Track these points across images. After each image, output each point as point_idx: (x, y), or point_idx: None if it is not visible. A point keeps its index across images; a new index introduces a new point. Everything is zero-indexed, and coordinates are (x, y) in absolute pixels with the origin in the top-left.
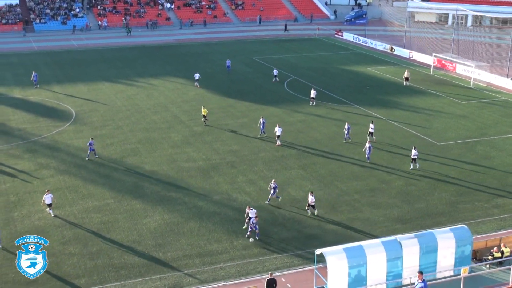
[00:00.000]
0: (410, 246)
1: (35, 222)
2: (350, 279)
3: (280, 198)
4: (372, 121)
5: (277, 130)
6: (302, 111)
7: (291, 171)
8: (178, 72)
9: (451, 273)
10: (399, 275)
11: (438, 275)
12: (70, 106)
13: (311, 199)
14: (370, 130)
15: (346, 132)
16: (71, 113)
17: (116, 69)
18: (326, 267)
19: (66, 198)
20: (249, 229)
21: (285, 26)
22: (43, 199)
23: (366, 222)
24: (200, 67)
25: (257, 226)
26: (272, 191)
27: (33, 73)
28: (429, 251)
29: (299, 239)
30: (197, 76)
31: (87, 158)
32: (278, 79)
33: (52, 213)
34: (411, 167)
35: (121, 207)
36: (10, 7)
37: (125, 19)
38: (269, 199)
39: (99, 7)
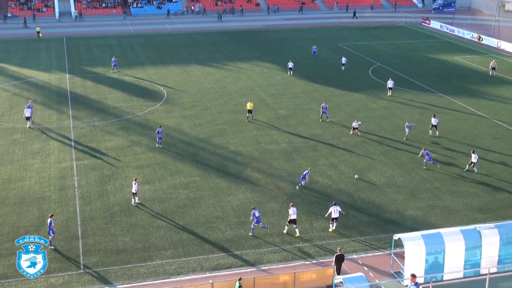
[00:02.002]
0: (490, 236)
1: (127, 195)
2: (427, 265)
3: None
4: (434, 115)
5: (355, 124)
6: (386, 98)
7: (372, 157)
8: (265, 56)
9: None
10: (477, 265)
11: None
12: (162, 87)
13: (292, 211)
14: (433, 123)
15: (407, 130)
16: (163, 94)
17: (206, 52)
18: (403, 252)
19: (156, 174)
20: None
21: (354, 12)
22: (133, 186)
23: (445, 210)
24: (287, 53)
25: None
26: (302, 177)
27: (113, 58)
28: (509, 242)
29: (377, 224)
30: (290, 64)
31: (156, 145)
32: (345, 68)
33: (134, 202)
34: (466, 168)
35: (207, 185)
36: None
37: (214, 5)
38: (301, 185)
39: None
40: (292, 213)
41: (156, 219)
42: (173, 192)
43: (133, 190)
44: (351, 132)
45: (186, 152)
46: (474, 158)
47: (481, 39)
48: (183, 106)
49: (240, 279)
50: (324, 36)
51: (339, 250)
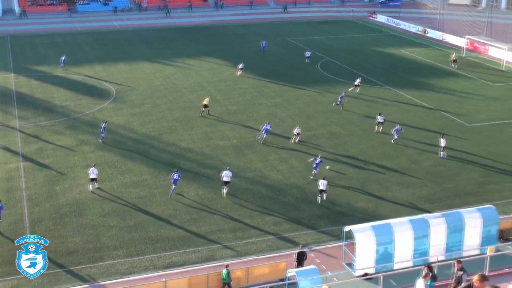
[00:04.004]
0: (437, 225)
1: (76, 195)
2: (378, 255)
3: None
4: (380, 113)
5: (296, 130)
6: (334, 92)
7: (322, 150)
8: (214, 52)
9: (477, 252)
10: (426, 253)
11: (464, 254)
12: (111, 85)
13: (225, 174)
14: (380, 120)
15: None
16: (111, 91)
17: (155, 49)
18: (354, 243)
19: (106, 173)
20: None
21: (285, 7)
22: (92, 172)
23: (394, 201)
24: (236, 48)
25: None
26: (314, 166)
27: (63, 57)
28: (456, 230)
29: (328, 216)
30: (241, 65)
31: (100, 141)
32: (309, 61)
33: (92, 188)
34: (440, 155)
35: (158, 183)
36: None
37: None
38: (315, 174)
39: None
40: (224, 176)
41: (107, 219)
42: (124, 191)
43: (94, 176)
44: (291, 141)
45: (136, 150)
46: (442, 142)
47: (426, 32)
48: (132, 104)
49: (227, 266)
50: (273, 31)
51: (301, 246)
